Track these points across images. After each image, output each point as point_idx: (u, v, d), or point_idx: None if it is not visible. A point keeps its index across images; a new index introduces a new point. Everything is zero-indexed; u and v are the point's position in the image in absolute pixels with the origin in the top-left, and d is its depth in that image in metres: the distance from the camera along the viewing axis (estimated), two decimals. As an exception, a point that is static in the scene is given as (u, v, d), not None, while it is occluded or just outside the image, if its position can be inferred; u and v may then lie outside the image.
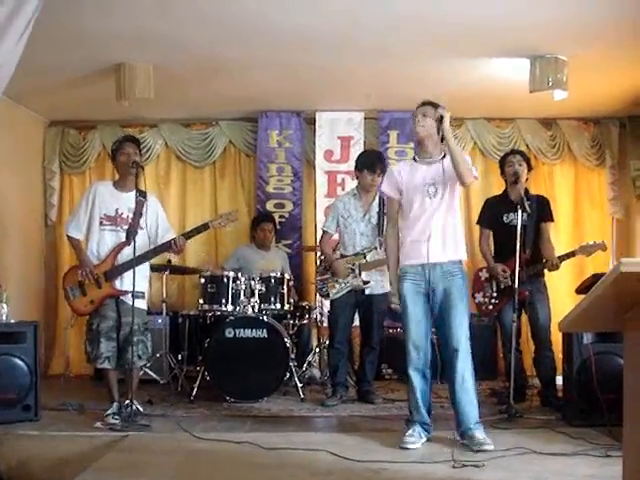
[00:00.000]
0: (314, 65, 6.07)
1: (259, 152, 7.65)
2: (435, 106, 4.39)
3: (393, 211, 4.61)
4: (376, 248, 5.69)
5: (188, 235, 5.19)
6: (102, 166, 7.82)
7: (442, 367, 4.90)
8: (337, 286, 5.73)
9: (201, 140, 7.78)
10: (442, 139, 4.34)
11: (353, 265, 5.70)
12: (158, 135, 7.74)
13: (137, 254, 4.85)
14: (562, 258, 5.60)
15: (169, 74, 6.05)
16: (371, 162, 5.75)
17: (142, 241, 5.00)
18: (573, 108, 7.09)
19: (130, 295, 4.86)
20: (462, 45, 5.60)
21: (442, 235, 4.32)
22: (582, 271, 7.17)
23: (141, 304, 5.02)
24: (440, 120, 4.29)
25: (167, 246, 5.07)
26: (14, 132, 7.04)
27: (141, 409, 5.03)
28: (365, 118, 7.57)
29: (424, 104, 4.44)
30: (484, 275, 5.80)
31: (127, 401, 4.86)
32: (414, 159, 4.56)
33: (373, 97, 7.03)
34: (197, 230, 5.24)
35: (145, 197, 5.09)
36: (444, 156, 4.39)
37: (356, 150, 7.21)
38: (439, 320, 4.36)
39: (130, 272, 4.83)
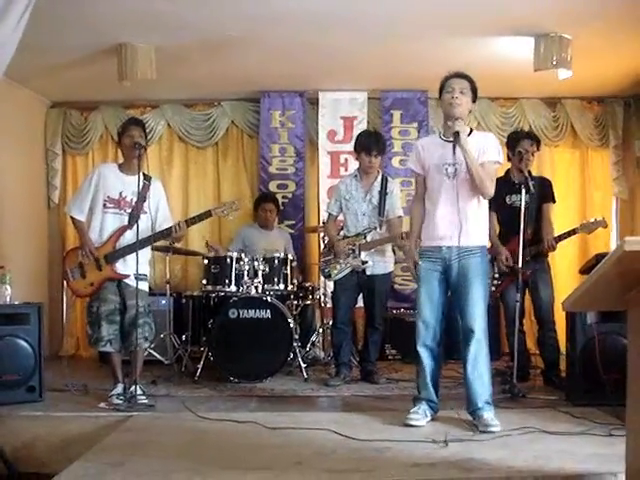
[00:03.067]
0: (317, 45, 6.03)
1: (262, 132, 7.64)
2: (471, 81, 4.23)
3: (419, 186, 4.45)
4: (376, 228, 5.68)
5: (190, 222, 5.20)
6: (104, 147, 7.82)
7: (451, 347, 4.91)
8: (338, 267, 5.74)
9: (203, 121, 7.76)
10: (454, 146, 4.13)
11: (354, 245, 5.70)
12: (160, 116, 7.72)
13: (139, 238, 4.84)
14: (563, 236, 5.59)
15: (171, 54, 6.02)
16: (367, 144, 5.71)
17: (145, 225, 4.99)
18: (577, 88, 7.06)
19: (133, 277, 4.88)
20: (466, 24, 5.56)
21: (461, 219, 4.15)
22: (585, 251, 7.17)
23: (144, 286, 5.03)
24: (456, 136, 4.10)
25: (169, 232, 5.07)
26: (16, 113, 7.02)
27: (144, 391, 5.04)
28: (368, 98, 7.55)
29: (460, 76, 4.22)
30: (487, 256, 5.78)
31: (132, 386, 4.88)
32: (439, 135, 4.42)
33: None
34: (199, 217, 5.24)
35: (150, 181, 5.09)
36: (470, 132, 4.25)
37: (359, 130, 7.17)
38: (455, 298, 4.30)
39: (131, 255, 4.87)
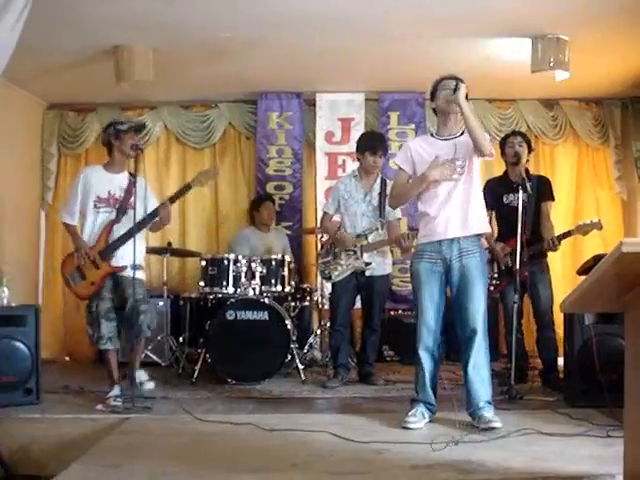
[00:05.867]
0: (314, 46, 6.03)
1: (259, 134, 7.63)
2: (463, 82, 4.26)
3: (401, 182, 4.44)
4: (377, 229, 5.68)
5: (172, 199, 5.22)
6: (100, 148, 7.69)
7: (450, 347, 4.90)
8: (339, 268, 5.72)
9: (201, 122, 7.74)
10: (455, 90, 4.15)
11: (355, 246, 5.68)
12: (157, 117, 7.71)
13: (129, 228, 4.90)
14: (559, 238, 5.59)
15: (168, 56, 6.02)
16: (373, 144, 5.73)
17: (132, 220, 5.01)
18: (575, 89, 7.06)
19: (130, 268, 4.90)
20: (463, 25, 5.57)
21: (462, 211, 4.21)
22: (583, 252, 7.16)
23: (141, 275, 5.08)
24: (454, 91, 4.13)
25: (155, 213, 5.08)
26: (13, 115, 7.00)
27: (147, 378, 5.03)
28: (366, 99, 7.54)
29: (455, 78, 4.26)
30: (485, 256, 5.78)
31: (136, 372, 4.94)
32: (431, 134, 4.45)
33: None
34: (180, 192, 5.29)
35: (135, 178, 5.12)
36: (462, 132, 4.29)
37: (357, 132, 7.18)
38: (456, 299, 4.30)
39: (124, 247, 4.93)
